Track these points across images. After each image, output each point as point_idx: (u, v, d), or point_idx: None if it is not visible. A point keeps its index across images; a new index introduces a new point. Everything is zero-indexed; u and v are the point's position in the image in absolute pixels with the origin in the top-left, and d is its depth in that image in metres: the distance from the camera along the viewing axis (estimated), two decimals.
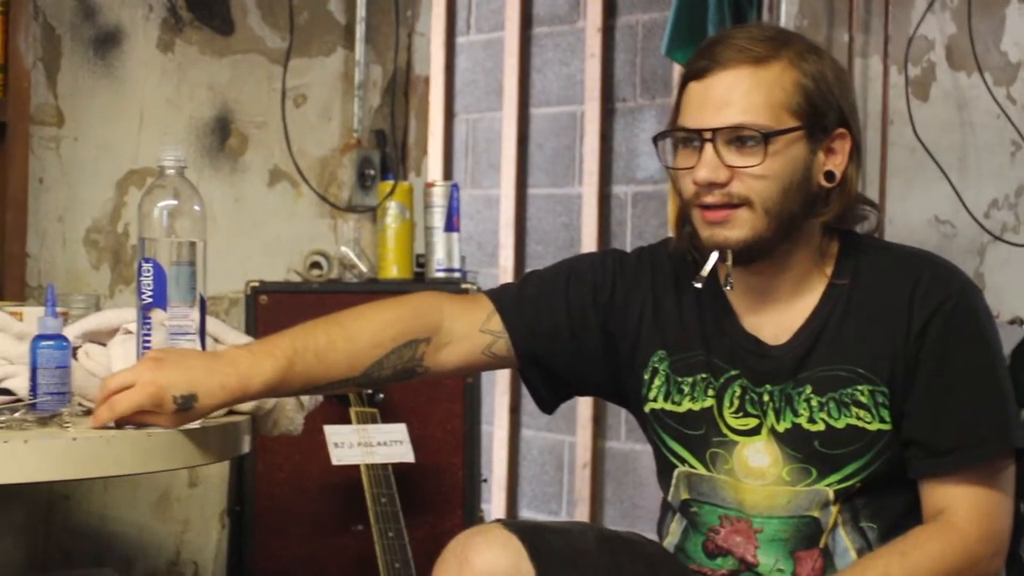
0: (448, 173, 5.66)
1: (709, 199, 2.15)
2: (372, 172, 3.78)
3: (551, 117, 5.39)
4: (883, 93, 3.98)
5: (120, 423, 2.09)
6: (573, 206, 5.29)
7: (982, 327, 2.18)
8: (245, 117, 3.68)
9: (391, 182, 3.69)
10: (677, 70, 4.75)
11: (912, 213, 3.93)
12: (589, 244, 5.17)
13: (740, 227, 2.15)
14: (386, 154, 3.81)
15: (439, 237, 3.60)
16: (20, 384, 2.21)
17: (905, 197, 3.95)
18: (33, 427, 2.08)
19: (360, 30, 3.80)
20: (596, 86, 5.19)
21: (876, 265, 2.22)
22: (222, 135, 3.65)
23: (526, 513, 5.34)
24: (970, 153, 3.86)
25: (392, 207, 3.64)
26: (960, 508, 2.14)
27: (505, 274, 5.38)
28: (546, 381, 2.39)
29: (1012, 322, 3.72)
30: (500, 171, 5.51)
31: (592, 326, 2.33)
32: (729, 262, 2.18)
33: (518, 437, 5.44)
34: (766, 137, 2.12)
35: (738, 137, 2.13)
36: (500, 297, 2.37)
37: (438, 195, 3.62)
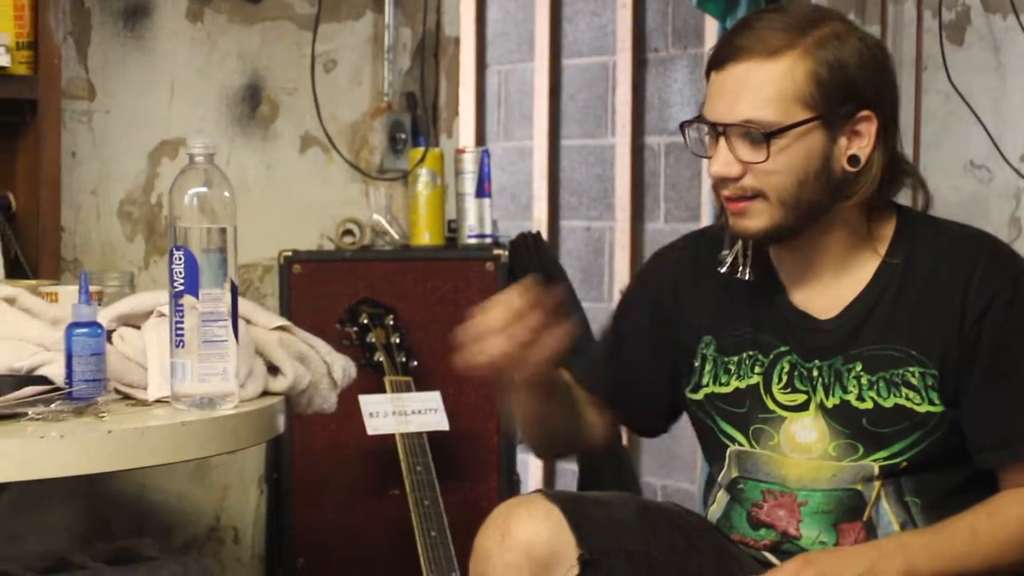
0: (480, 125, 5.65)
1: (726, 192, 2.18)
2: (403, 136, 3.78)
3: (583, 68, 5.37)
4: (917, 39, 3.95)
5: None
6: (606, 157, 5.28)
7: None
8: (275, 84, 3.68)
9: (422, 148, 3.69)
10: (709, 20, 4.73)
11: (947, 159, 3.91)
12: (623, 195, 5.16)
13: (758, 217, 2.16)
14: (417, 117, 3.81)
15: (470, 203, 3.61)
16: (56, 371, 2.24)
17: (940, 143, 3.93)
18: (69, 417, 2.10)
19: None
20: (628, 36, 5.17)
21: (932, 245, 2.21)
22: (253, 103, 3.65)
23: (563, 462, 5.36)
24: (1005, 97, 3.82)
25: (423, 174, 3.65)
26: None
27: (539, 226, 5.37)
28: (643, 418, 2.48)
29: None
30: (533, 122, 5.50)
31: (650, 350, 2.38)
32: (749, 251, 2.23)
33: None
34: (767, 136, 2.11)
35: (747, 132, 2.13)
36: (574, 369, 2.43)
37: (469, 161, 3.63)
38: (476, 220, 3.61)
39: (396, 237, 3.63)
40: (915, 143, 3.92)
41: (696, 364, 2.32)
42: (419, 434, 3.20)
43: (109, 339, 2.29)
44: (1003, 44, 3.82)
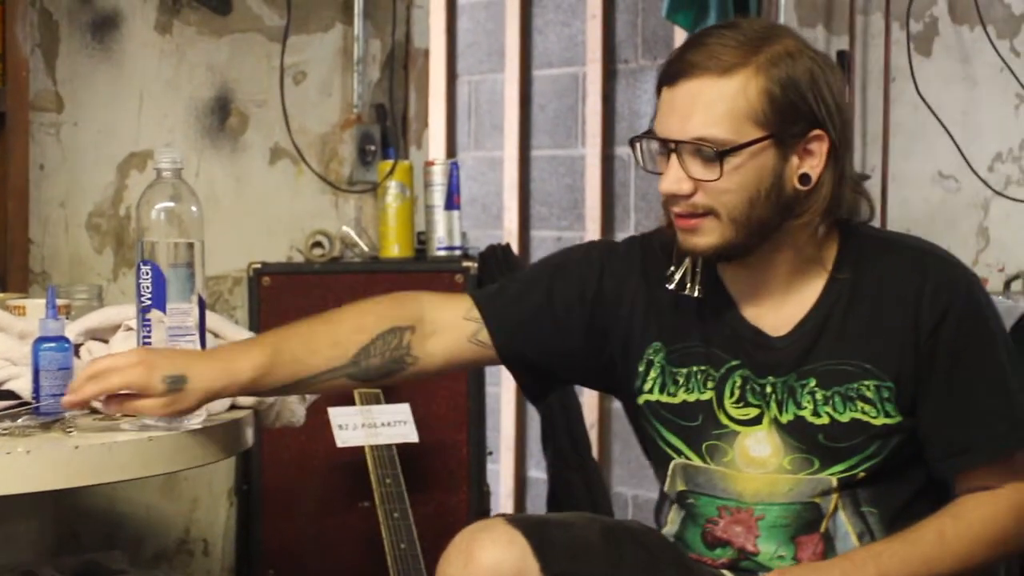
0: (451, 136, 5.66)
1: (676, 209, 2.17)
2: (373, 147, 3.79)
3: (553, 78, 5.38)
4: (885, 50, 3.97)
5: (108, 407, 2.12)
6: (576, 167, 5.29)
7: (991, 325, 2.21)
8: (245, 96, 3.68)
9: (391, 161, 3.70)
10: (678, 31, 4.75)
11: (915, 170, 3.93)
12: (593, 205, 5.17)
13: (708, 235, 2.16)
14: (386, 129, 3.81)
15: (440, 215, 3.62)
16: (23, 385, 2.24)
17: (908, 154, 3.95)
18: (36, 432, 2.10)
19: (358, 4, 3.79)
20: (598, 47, 5.18)
21: (881, 259, 2.22)
22: (222, 115, 3.65)
23: (534, 473, 5.36)
24: (973, 107, 3.84)
25: (392, 186, 3.66)
26: (1000, 483, 2.18)
27: (510, 236, 5.38)
28: (530, 374, 2.41)
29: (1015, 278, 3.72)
30: (503, 133, 5.51)
31: (577, 323, 2.34)
32: (698, 268, 2.23)
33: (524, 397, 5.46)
34: (720, 155, 2.11)
35: (699, 150, 2.12)
36: (481, 294, 2.39)
37: (438, 173, 3.63)
38: (445, 232, 3.62)
39: (365, 249, 3.64)
40: (884, 154, 3.94)
41: (640, 369, 2.31)
42: (389, 446, 3.21)
43: (77, 353, 2.29)
44: (971, 55, 3.84)
